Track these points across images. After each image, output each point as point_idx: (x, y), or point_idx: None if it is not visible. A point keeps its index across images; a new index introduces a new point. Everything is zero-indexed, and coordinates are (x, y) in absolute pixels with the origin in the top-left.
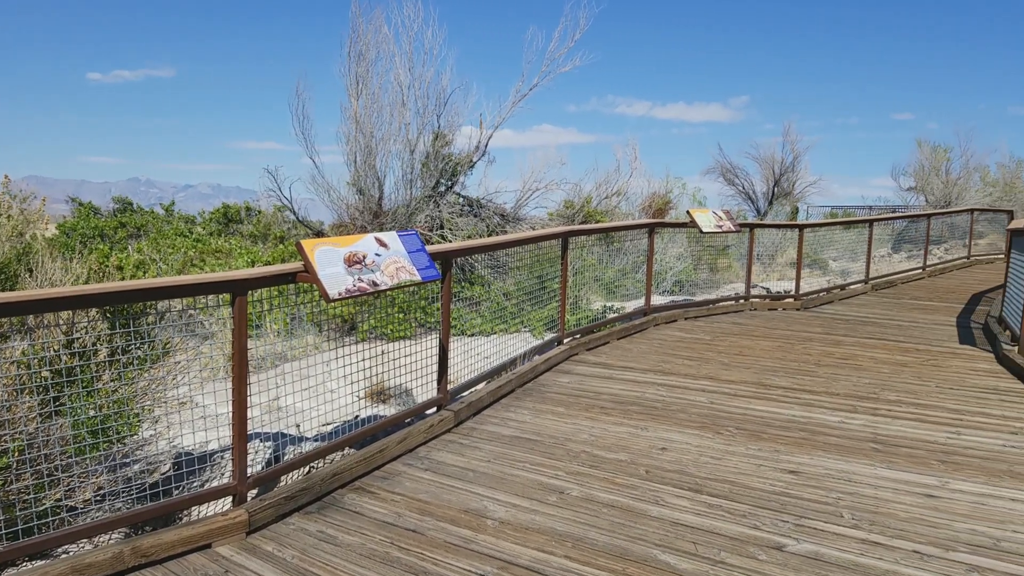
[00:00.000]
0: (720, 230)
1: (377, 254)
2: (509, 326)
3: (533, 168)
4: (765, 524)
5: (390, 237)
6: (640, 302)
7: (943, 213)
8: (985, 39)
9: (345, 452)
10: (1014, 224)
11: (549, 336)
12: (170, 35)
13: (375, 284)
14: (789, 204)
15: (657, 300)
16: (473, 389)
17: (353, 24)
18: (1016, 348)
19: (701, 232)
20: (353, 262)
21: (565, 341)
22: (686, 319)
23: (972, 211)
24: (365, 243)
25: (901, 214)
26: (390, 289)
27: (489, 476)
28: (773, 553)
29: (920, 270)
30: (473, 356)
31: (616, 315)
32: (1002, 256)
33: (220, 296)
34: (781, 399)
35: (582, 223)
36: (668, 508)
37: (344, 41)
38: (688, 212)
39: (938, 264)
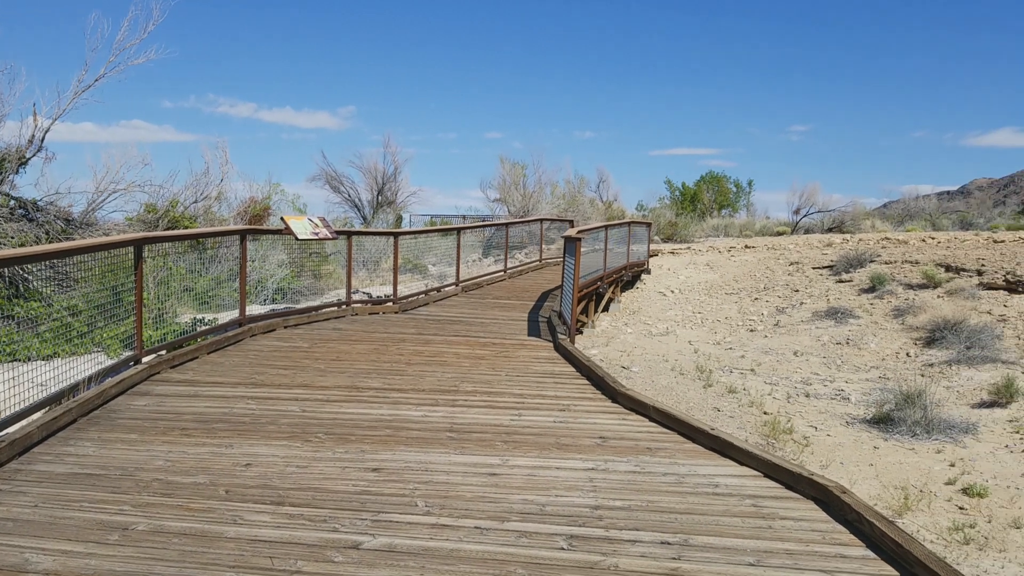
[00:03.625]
0: (316, 237)
1: None
2: (77, 347)
3: (110, 167)
4: (344, 525)
5: None
6: (237, 312)
7: (521, 222)
8: (558, 72)
9: None
10: (568, 233)
11: (126, 355)
12: None
13: None
14: (393, 212)
15: (257, 309)
16: (20, 424)
17: None
18: (568, 337)
19: (296, 239)
20: None
21: (145, 359)
22: (286, 327)
23: (542, 220)
24: None
25: (488, 223)
26: None
27: (34, 523)
28: (350, 553)
29: (502, 272)
30: (26, 385)
31: (208, 327)
32: None
33: None
34: (372, 400)
35: (168, 228)
36: (247, 526)
37: None
38: (283, 219)
39: (518, 267)
